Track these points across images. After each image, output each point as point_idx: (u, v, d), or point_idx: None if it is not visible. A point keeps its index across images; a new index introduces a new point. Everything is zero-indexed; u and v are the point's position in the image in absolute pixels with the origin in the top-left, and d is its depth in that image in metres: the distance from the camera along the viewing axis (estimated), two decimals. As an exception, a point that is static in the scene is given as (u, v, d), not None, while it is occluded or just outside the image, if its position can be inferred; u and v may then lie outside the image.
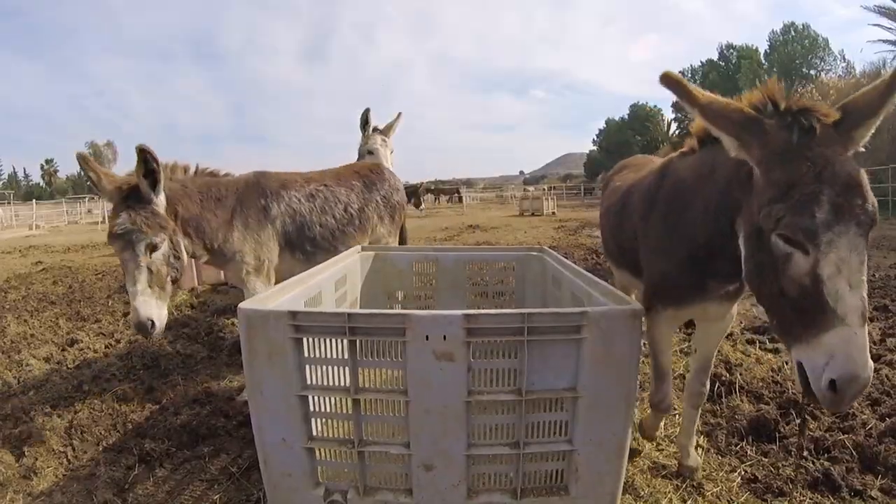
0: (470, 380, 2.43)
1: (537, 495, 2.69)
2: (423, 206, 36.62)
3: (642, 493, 3.37)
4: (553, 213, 32.00)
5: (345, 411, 2.57)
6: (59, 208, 48.85)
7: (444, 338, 2.33)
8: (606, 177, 5.55)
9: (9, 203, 43.71)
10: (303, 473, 2.68)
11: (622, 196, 3.93)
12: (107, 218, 4.71)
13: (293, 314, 2.41)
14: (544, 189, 57.54)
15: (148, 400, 5.00)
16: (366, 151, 7.07)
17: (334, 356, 2.53)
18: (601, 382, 2.49)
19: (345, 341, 2.41)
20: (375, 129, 7.23)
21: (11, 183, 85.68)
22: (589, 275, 3.29)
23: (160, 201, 4.03)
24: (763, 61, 61.57)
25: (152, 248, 3.86)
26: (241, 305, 2.50)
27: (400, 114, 7.48)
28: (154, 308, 3.85)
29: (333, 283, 3.71)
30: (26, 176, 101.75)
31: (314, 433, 2.62)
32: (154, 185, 3.95)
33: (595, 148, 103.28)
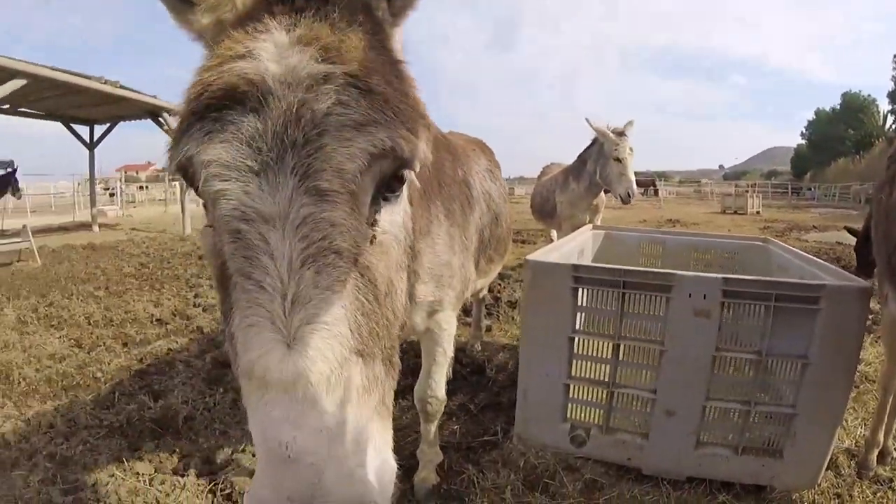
0: (719, 337, 2.89)
1: (755, 455, 3.13)
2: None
3: (843, 471, 3.63)
4: (757, 212, 30.44)
5: (604, 355, 3.12)
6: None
7: (704, 297, 2.82)
8: None
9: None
10: (555, 407, 3.31)
11: None
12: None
13: (576, 267, 3.02)
14: (748, 186, 54.80)
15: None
16: (613, 157, 7.12)
17: (602, 307, 3.09)
18: (829, 353, 2.87)
19: (615, 293, 2.97)
20: (621, 133, 7.23)
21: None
22: (819, 260, 3.59)
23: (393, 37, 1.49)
24: None
25: (393, 182, 1.28)
26: (529, 257, 3.17)
27: (631, 122, 7.43)
28: (371, 445, 1.11)
29: (576, 255, 4.26)
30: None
31: (573, 373, 3.20)
32: None
33: (803, 142, 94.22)
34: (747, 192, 39.55)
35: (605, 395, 3.19)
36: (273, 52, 1.17)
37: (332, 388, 1.05)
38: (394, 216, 1.31)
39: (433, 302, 2.79)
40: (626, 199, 7.26)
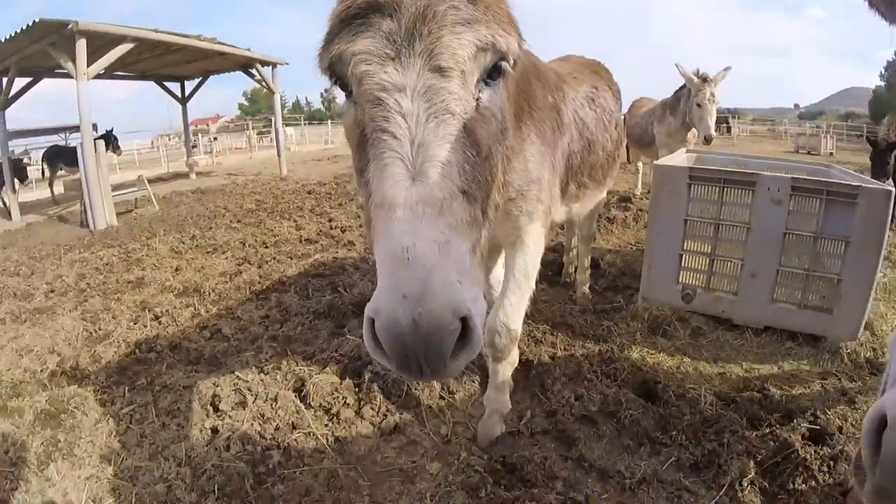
0: (789, 220, 4.40)
1: (813, 311, 4.58)
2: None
3: (877, 332, 4.76)
4: (831, 153, 30.41)
5: (707, 233, 4.71)
6: (338, 128, 55.53)
7: (779, 190, 4.31)
8: None
9: (299, 125, 50.85)
10: (671, 273, 4.91)
11: None
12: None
13: (690, 168, 4.61)
14: (822, 127, 53.67)
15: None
16: (694, 104, 7.94)
17: (707, 197, 4.66)
18: (864, 235, 4.25)
19: (716, 187, 4.52)
20: (705, 80, 7.92)
21: (296, 109, 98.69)
22: (863, 176, 5.04)
23: None
24: None
25: (493, 71, 1.68)
26: (657, 163, 4.82)
27: (728, 68, 8.11)
28: (467, 277, 1.44)
29: (680, 169, 5.75)
30: (308, 103, 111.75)
31: (684, 247, 4.78)
32: None
33: (882, 84, 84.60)
34: (821, 132, 39.11)
35: (707, 263, 4.78)
36: None
37: (443, 212, 1.41)
38: (493, 98, 1.68)
39: (520, 214, 3.05)
40: (704, 142, 8.18)
